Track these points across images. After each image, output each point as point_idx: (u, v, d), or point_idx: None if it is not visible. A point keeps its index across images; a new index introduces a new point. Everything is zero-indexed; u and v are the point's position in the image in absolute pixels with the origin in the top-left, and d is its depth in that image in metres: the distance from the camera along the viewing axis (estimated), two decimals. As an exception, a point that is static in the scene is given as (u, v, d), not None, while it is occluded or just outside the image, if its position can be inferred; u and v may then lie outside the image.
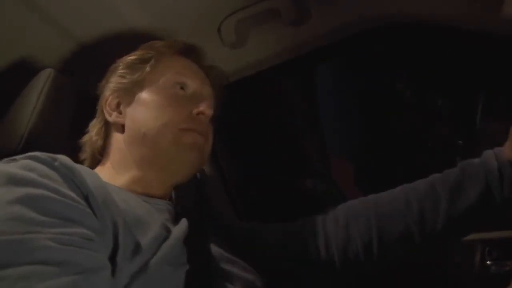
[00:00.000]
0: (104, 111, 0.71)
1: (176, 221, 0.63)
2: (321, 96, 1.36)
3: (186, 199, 0.73)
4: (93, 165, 0.71)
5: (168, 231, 0.56)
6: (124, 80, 0.70)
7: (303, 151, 1.47)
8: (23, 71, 0.80)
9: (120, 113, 0.70)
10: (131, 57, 0.72)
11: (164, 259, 0.50)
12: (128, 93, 0.69)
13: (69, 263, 0.39)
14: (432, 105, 1.32)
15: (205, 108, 0.67)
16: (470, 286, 0.85)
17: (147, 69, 0.69)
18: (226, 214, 1.07)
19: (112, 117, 0.69)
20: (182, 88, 0.70)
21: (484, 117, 1.01)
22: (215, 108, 0.76)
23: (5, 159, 0.49)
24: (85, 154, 0.72)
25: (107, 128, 0.71)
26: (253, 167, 1.39)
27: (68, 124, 0.76)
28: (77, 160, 0.71)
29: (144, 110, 0.67)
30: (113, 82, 0.71)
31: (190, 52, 0.76)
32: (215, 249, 0.63)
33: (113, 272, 0.44)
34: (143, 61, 0.71)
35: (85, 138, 0.72)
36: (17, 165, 0.45)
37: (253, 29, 0.90)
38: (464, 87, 1.19)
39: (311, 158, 1.46)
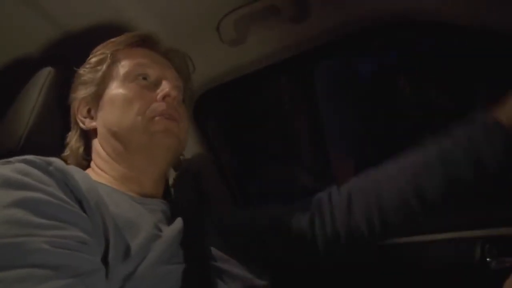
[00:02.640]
0: (78, 121, 0.71)
1: (170, 220, 0.63)
2: (320, 93, 1.35)
3: (184, 196, 0.73)
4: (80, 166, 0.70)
5: (161, 231, 0.57)
6: (88, 87, 0.70)
7: (302, 147, 1.47)
8: (24, 70, 0.80)
9: (92, 118, 0.70)
10: (89, 62, 0.72)
11: (157, 260, 0.51)
12: (95, 98, 0.70)
13: (65, 266, 0.39)
14: (432, 102, 1.32)
15: (169, 90, 0.67)
16: (470, 283, 0.85)
17: (105, 68, 0.69)
18: (225, 208, 1.07)
19: (86, 124, 0.70)
20: (144, 78, 0.69)
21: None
22: (185, 88, 0.76)
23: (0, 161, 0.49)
24: (69, 160, 0.72)
25: (84, 134, 0.72)
26: (252, 163, 1.39)
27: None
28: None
29: (111, 109, 0.67)
30: (79, 91, 0.71)
31: (145, 41, 0.75)
32: (212, 247, 0.63)
33: (106, 275, 0.45)
34: (100, 62, 0.70)
35: (67, 151, 0.72)
36: (12, 168, 0.45)
37: (252, 27, 0.90)
38: (463, 84, 1.19)
39: (310, 154, 1.47)
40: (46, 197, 0.43)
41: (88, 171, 0.69)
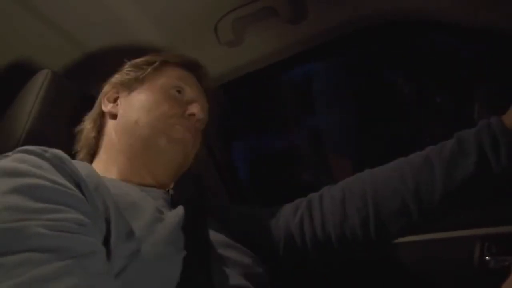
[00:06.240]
0: (102, 103, 0.74)
1: (172, 208, 0.64)
2: (318, 94, 1.36)
3: (184, 190, 0.74)
4: (87, 158, 0.73)
5: (163, 215, 0.57)
6: (127, 77, 0.74)
7: (301, 147, 1.47)
8: (21, 72, 0.80)
9: (117, 105, 0.73)
10: (136, 62, 0.76)
11: (158, 243, 0.50)
12: (128, 88, 0.73)
13: (62, 248, 0.39)
14: (430, 102, 1.32)
15: (198, 110, 0.71)
16: (469, 282, 0.85)
17: (150, 70, 0.73)
18: (222, 204, 1.08)
19: (108, 108, 0.73)
20: (179, 91, 0.73)
21: (481, 114, 1.01)
22: (208, 118, 0.80)
23: None
24: (79, 144, 0.75)
25: (102, 119, 0.75)
26: (251, 164, 1.39)
27: (66, 125, 0.76)
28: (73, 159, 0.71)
29: (139, 102, 0.71)
30: (116, 78, 0.75)
31: (193, 67, 0.80)
32: (213, 234, 0.63)
33: (108, 256, 0.44)
34: (148, 63, 0.75)
35: (79, 127, 0.75)
36: (10, 159, 0.46)
37: (250, 28, 0.90)
38: (462, 84, 1.20)
39: (309, 153, 1.47)
40: (43, 181, 0.43)
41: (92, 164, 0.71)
